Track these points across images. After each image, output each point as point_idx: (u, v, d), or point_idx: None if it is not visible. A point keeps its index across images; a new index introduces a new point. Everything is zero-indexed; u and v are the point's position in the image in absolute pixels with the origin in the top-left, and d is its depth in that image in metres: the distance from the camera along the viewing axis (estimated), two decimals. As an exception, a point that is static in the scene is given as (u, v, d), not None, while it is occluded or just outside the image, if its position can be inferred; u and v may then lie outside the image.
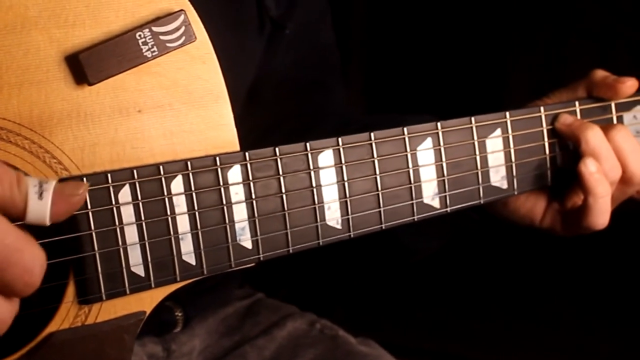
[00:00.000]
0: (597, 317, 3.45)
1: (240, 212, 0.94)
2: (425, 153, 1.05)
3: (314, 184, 0.98)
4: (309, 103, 1.35)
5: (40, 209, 0.79)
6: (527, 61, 3.95)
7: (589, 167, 1.09)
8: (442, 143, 1.06)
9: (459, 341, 3.34)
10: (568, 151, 1.16)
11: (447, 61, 4.30)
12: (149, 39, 0.89)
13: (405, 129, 1.04)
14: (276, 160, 0.95)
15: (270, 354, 1.29)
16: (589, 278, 3.70)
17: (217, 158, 0.92)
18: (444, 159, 1.06)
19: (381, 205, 1.02)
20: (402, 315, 3.52)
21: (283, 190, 0.96)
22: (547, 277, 3.78)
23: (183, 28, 0.90)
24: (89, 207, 0.86)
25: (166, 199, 0.90)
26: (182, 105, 0.92)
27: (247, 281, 1.43)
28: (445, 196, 1.07)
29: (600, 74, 1.18)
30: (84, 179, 0.86)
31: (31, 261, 0.77)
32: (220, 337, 1.31)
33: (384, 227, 1.03)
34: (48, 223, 0.80)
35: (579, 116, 1.16)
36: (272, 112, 1.30)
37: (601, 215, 1.10)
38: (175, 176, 0.91)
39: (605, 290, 3.60)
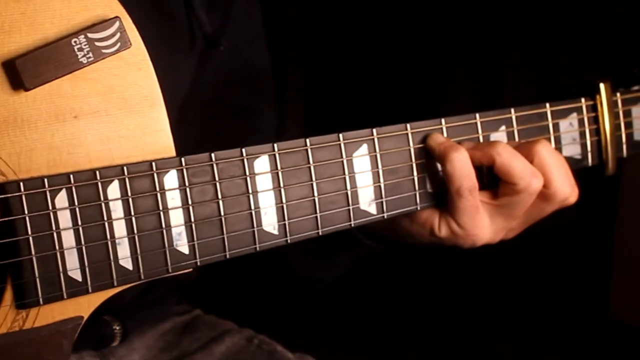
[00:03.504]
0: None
1: (176, 218, 1.04)
2: (361, 159, 1.15)
3: (250, 190, 1.08)
4: (234, 126, 1.42)
5: None
6: (463, 71, 4.11)
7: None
8: (377, 149, 1.16)
9: (395, 358, 3.51)
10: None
11: (385, 74, 4.45)
12: (85, 45, 0.98)
13: (340, 135, 1.14)
14: (212, 165, 1.05)
15: (209, 369, 1.39)
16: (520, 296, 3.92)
17: (153, 163, 1.02)
18: (379, 165, 1.17)
19: (317, 211, 1.12)
20: (338, 331, 3.68)
21: (219, 196, 1.06)
22: (485, 294, 4.00)
23: (118, 34, 1.00)
24: (26, 211, 0.95)
25: (102, 204, 0.99)
26: (118, 111, 1.01)
27: (184, 298, 1.52)
28: (382, 202, 1.17)
29: None
30: (21, 184, 0.95)
31: None
32: (158, 352, 1.40)
33: (320, 233, 1.13)
34: None
35: (514, 123, 1.27)
36: (198, 132, 1.37)
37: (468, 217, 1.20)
38: (112, 181, 1.00)
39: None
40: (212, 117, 1.41)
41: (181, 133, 1.14)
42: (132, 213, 1.01)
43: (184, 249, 1.04)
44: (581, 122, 1.34)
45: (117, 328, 1.32)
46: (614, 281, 3.77)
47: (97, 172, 0.99)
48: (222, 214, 1.06)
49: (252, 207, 1.08)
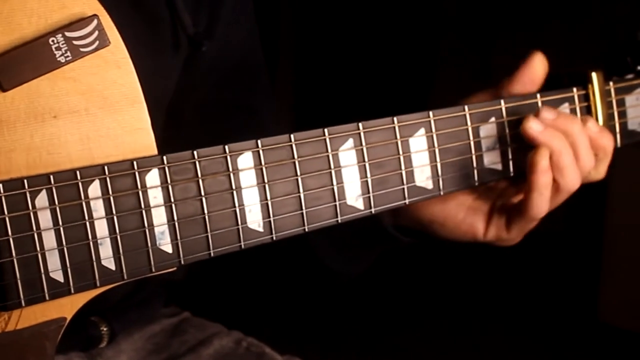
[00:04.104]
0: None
1: (159, 216, 1.04)
2: (347, 154, 1.16)
3: (233, 187, 1.08)
4: (232, 125, 1.43)
5: None
6: (453, 63, 4.13)
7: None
8: (364, 143, 1.17)
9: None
10: (495, 149, 1.28)
11: (376, 70, 4.46)
12: (62, 44, 0.99)
13: (325, 130, 1.14)
14: (195, 163, 1.06)
15: (197, 371, 1.40)
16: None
17: (135, 162, 1.03)
18: (366, 159, 1.17)
19: (303, 207, 1.13)
20: (328, 333, 3.71)
21: (202, 193, 1.06)
22: (474, 296, 4.03)
23: (96, 33, 1.01)
24: (6, 213, 0.96)
25: (84, 204, 1.00)
26: (98, 110, 1.02)
27: (172, 300, 1.53)
28: (369, 197, 1.18)
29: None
30: (0, 185, 0.96)
31: None
32: (147, 355, 1.41)
33: (307, 230, 1.14)
34: None
35: (504, 115, 1.28)
36: (194, 133, 1.38)
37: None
38: (93, 181, 1.01)
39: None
40: (208, 119, 1.42)
41: (176, 137, 1.16)
42: (114, 212, 1.02)
43: (167, 247, 1.05)
44: (573, 112, 1.35)
45: (105, 329, 1.34)
46: (603, 284, 3.80)
47: (78, 172, 1.00)
48: (206, 211, 1.07)
49: (237, 205, 1.09)
